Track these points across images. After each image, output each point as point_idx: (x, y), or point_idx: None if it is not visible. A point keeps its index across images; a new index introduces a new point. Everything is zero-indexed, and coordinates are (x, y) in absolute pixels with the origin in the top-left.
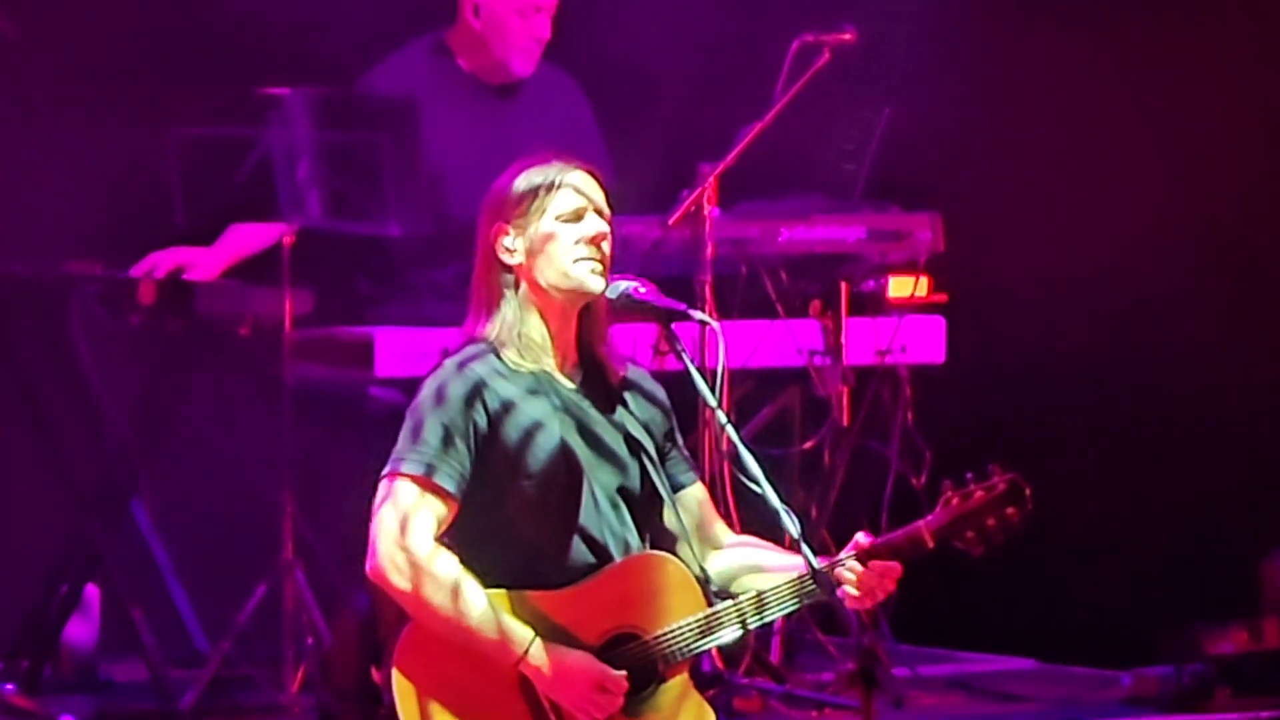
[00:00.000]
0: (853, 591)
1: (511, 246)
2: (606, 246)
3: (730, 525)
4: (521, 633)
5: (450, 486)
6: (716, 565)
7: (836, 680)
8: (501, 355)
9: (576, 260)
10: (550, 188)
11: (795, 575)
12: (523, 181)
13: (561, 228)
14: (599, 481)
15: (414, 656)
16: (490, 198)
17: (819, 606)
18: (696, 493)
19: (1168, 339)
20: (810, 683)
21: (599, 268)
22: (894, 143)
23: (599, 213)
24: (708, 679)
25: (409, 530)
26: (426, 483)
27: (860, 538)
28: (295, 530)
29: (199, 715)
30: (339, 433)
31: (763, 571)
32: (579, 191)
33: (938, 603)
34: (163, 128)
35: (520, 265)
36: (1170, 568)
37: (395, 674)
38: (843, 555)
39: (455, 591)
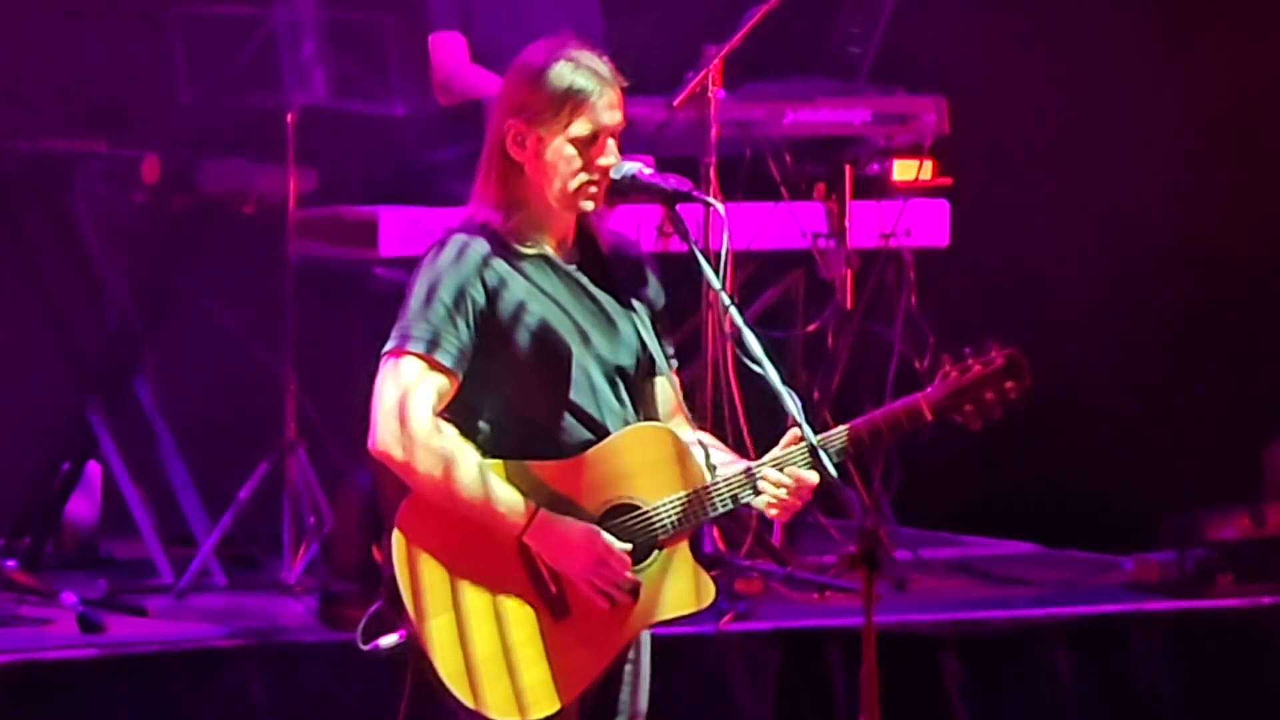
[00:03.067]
0: (770, 499)
1: (522, 144)
2: (614, 171)
3: (717, 419)
4: (522, 503)
5: (449, 362)
6: None
7: (838, 563)
8: (501, 236)
9: (578, 185)
10: (576, 108)
11: (780, 455)
12: (549, 88)
13: (573, 153)
14: (596, 359)
15: (414, 524)
16: (509, 86)
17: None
18: (667, 384)
19: (1174, 222)
20: (812, 565)
21: (596, 191)
22: (900, 25)
23: (615, 135)
24: (709, 560)
25: (407, 405)
26: (425, 358)
27: (795, 432)
28: (298, 409)
29: (200, 593)
30: (343, 312)
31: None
32: (604, 113)
33: (940, 486)
34: (167, 5)
35: (527, 164)
36: (1173, 452)
37: (395, 540)
38: (778, 452)
39: (450, 463)
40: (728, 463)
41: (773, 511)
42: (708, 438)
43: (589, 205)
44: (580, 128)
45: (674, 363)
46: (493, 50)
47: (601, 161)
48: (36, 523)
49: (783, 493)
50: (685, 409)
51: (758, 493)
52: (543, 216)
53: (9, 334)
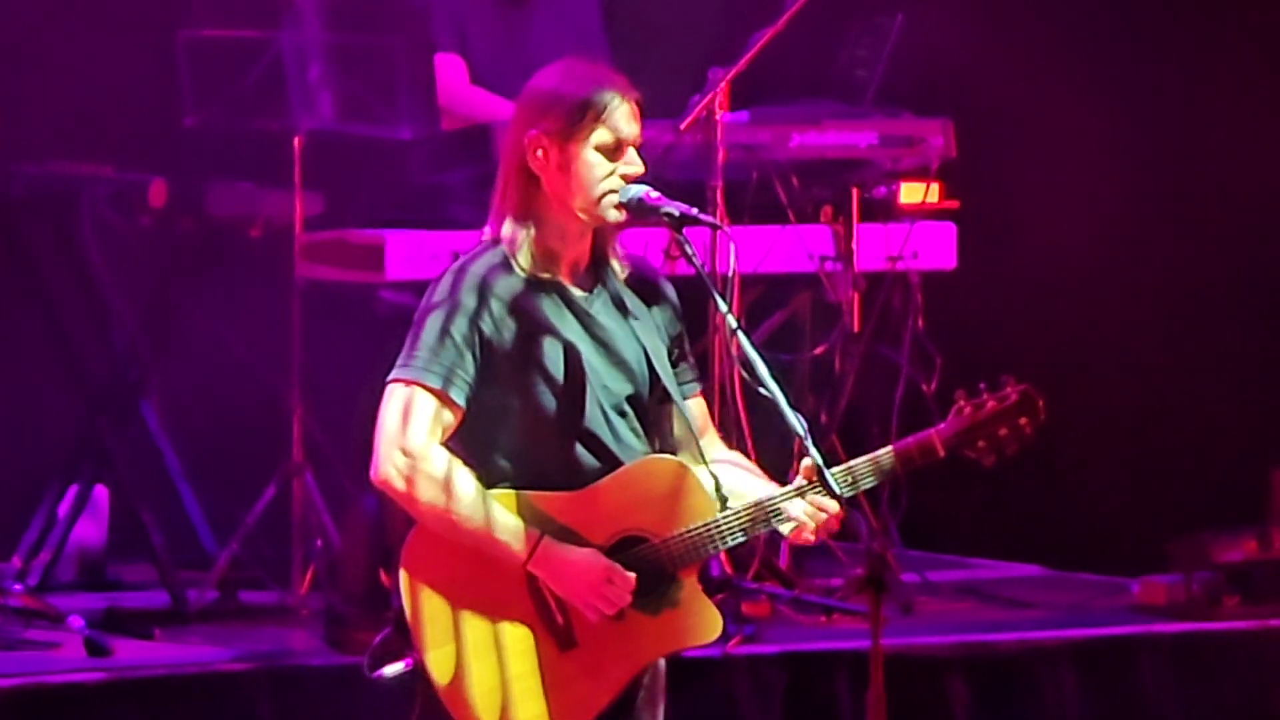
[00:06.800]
0: (797, 522)
1: (543, 158)
2: (621, 194)
3: (727, 441)
4: (524, 531)
5: (450, 391)
6: None
7: (845, 585)
8: (513, 260)
9: (604, 194)
10: (598, 115)
11: (800, 485)
12: (569, 97)
13: (598, 159)
14: (607, 388)
15: (421, 557)
16: (530, 98)
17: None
18: (696, 402)
19: (1181, 243)
20: (819, 588)
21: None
22: (907, 49)
23: (636, 146)
24: (716, 584)
25: (406, 433)
26: (428, 388)
27: (807, 462)
28: (305, 432)
29: (206, 616)
30: (349, 335)
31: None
32: (624, 122)
33: (947, 509)
34: (174, 29)
35: (547, 177)
36: (1180, 475)
37: (402, 574)
38: (798, 484)
39: (450, 492)
40: (751, 489)
41: (808, 536)
42: (739, 458)
43: (617, 215)
44: (603, 136)
45: (696, 386)
46: (492, 72)
47: (626, 170)
48: (44, 546)
49: (820, 517)
50: (711, 428)
51: (771, 522)
52: (558, 237)
53: (16, 357)
